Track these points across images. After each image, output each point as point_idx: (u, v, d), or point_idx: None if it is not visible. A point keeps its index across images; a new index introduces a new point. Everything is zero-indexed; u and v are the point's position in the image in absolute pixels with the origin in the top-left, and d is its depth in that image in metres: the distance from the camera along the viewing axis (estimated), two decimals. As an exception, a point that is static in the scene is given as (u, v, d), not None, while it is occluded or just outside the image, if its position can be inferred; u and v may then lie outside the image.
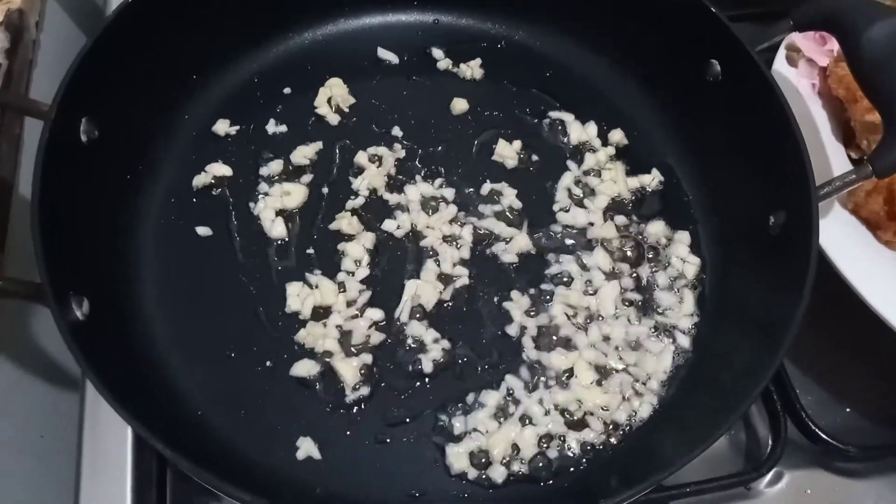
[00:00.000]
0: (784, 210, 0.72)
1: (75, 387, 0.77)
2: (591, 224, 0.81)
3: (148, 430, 0.57)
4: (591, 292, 0.78)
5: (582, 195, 0.83)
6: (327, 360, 0.72)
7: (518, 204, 0.82)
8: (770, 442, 0.77)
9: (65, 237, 0.65)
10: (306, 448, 0.68)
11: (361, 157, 0.83)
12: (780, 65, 0.90)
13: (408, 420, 0.71)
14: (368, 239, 0.79)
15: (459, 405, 0.71)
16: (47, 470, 0.76)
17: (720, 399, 0.67)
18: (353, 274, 0.77)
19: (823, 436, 0.77)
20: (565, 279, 0.78)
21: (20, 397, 0.75)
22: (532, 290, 0.78)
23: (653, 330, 0.76)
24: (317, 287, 0.75)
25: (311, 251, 0.78)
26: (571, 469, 0.69)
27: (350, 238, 0.79)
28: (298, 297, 0.75)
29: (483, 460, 0.69)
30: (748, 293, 0.75)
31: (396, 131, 0.85)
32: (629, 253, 0.80)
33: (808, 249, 0.67)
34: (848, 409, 0.83)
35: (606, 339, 0.75)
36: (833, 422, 0.81)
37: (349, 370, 0.72)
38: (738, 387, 0.65)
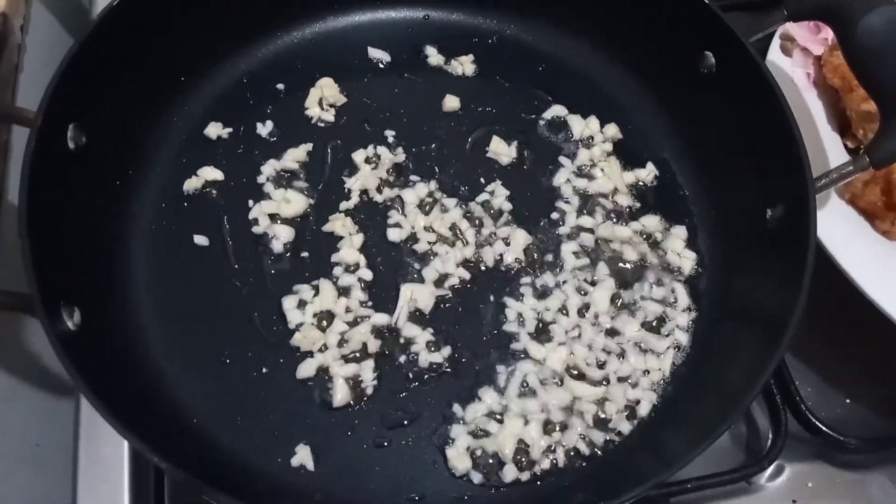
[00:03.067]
0: (781, 203, 0.72)
1: (70, 394, 0.77)
2: (587, 221, 0.80)
3: (142, 442, 0.56)
4: (587, 289, 0.77)
5: (577, 191, 0.82)
6: (325, 363, 0.72)
7: (513, 203, 0.81)
8: (770, 435, 0.77)
9: (54, 246, 0.64)
10: (301, 457, 0.68)
11: (358, 157, 0.82)
12: (774, 55, 0.89)
13: (406, 423, 0.70)
14: (361, 241, 0.78)
15: (458, 406, 0.71)
16: (44, 478, 0.76)
17: (721, 395, 0.66)
18: (350, 279, 0.76)
19: (824, 428, 0.77)
20: (562, 277, 0.77)
21: (15, 406, 0.74)
22: (529, 289, 0.77)
23: (650, 327, 0.76)
24: (316, 294, 0.74)
25: (305, 254, 0.77)
26: (573, 468, 0.69)
27: (342, 242, 0.77)
28: (298, 310, 0.74)
29: (488, 461, 0.69)
30: (746, 287, 0.75)
31: (389, 130, 0.84)
32: (625, 249, 0.79)
33: (807, 243, 0.67)
34: (848, 401, 0.83)
35: (604, 335, 0.75)
36: (833, 413, 0.81)
37: (347, 374, 0.71)
38: (738, 383, 0.65)
